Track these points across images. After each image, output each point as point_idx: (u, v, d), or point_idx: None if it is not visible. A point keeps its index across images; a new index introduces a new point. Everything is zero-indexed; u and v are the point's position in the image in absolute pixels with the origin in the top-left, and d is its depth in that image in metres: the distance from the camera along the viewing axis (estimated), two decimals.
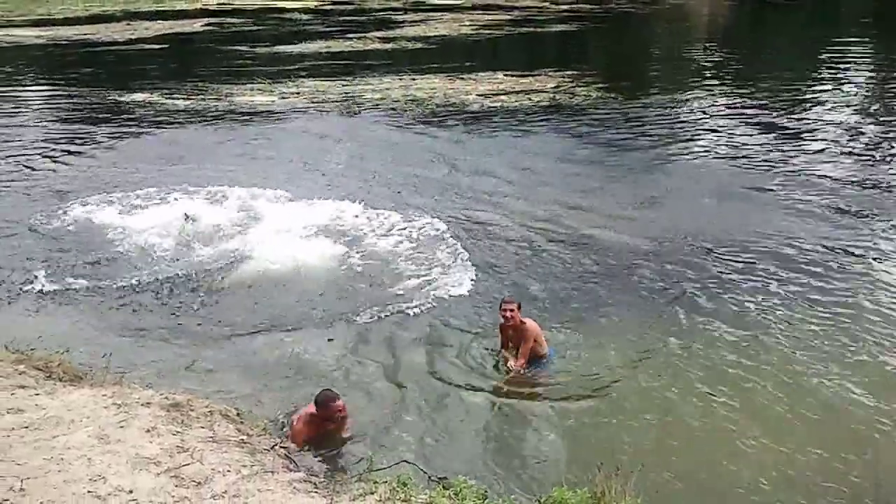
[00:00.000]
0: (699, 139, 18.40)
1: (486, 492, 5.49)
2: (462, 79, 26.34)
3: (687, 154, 17.13)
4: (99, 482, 4.83)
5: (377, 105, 22.93)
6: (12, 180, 16.01)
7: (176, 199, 14.06)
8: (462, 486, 5.43)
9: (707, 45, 36.58)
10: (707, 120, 20.22)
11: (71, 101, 25.05)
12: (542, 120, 20.49)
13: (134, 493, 4.75)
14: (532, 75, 26.56)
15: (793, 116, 20.19)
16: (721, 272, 10.83)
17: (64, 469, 4.95)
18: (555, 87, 24.46)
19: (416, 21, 45.37)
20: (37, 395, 6.04)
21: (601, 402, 7.84)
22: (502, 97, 23.34)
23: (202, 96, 24.84)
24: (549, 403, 7.88)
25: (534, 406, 7.88)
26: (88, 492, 4.72)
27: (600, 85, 24.75)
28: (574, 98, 22.95)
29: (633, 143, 18.29)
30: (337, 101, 23.57)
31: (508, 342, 8.59)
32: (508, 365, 8.36)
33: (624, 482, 5.50)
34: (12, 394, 6.00)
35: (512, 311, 8.28)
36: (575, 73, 26.80)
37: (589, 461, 6.65)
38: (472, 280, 10.68)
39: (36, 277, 10.79)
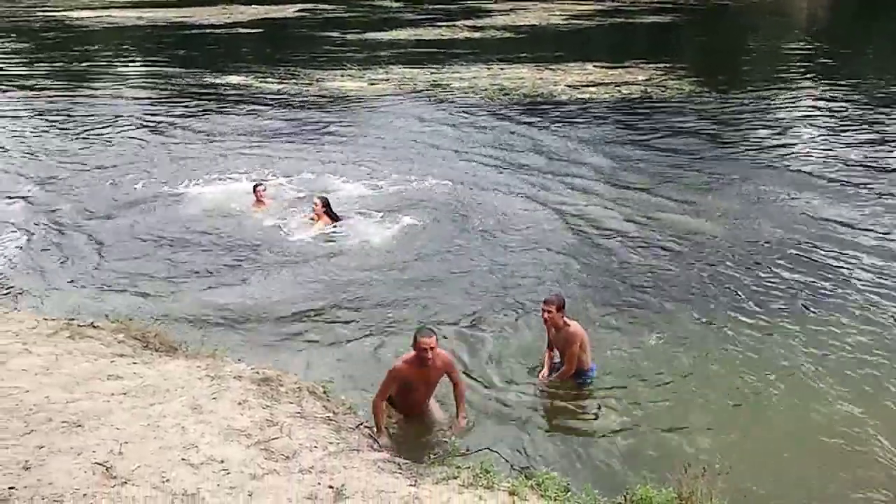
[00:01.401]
0: (794, 138, 17.72)
1: (568, 485, 5.44)
2: (551, 69, 26.12)
3: (781, 154, 16.39)
4: (192, 451, 4.98)
5: (464, 93, 22.93)
6: (107, 156, 16.61)
7: (262, 179, 14.29)
8: (545, 477, 5.40)
9: (805, 39, 35.34)
10: (804, 118, 19.52)
11: (168, 81, 25.84)
12: (632, 112, 20.14)
13: (225, 463, 4.88)
14: (623, 67, 26.13)
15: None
16: (803, 273, 10.44)
17: (159, 436, 5.12)
18: (646, 80, 24.01)
19: (505, 10, 45.21)
20: (135, 363, 6.27)
21: (676, 401, 7.65)
22: (591, 88, 23.04)
23: (294, 80, 25.30)
24: (625, 402, 7.72)
25: (610, 404, 7.73)
26: (182, 459, 4.86)
27: (693, 78, 24.17)
28: (666, 91, 22.48)
29: (726, 139, 17.76)
30: (424, 89, 23.67)
31: (552, 343, 8.06)
32: (541, 375, 7.87)
33: (711, 484, 5.39)
34: (112, 361, 6.24)
35: (550, 312, 7.66)
36: (667, 65, 26.25)
37: (671, 461, 6.56)
38: (550, 272, 10.57)
39: (126, 251, 11.19)
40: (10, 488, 4.29)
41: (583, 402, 7.72)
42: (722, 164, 15.76)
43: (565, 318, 7.71)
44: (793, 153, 16.39)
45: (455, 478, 5.22)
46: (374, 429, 6.39)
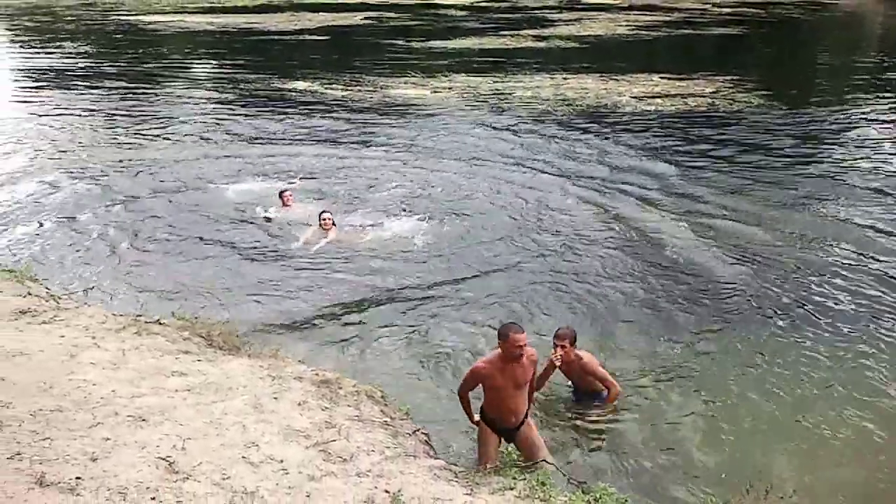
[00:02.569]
0: (867, 156, 17.10)
1: (626, 501, 5.36)
2: (615, 80, 25.88)
3: (853, 172, 15.79)
4: (252, 449, 5.04)
5: (527, 103, 22.87)
6: (175, 156, 17.00)
7: (289, 182, 14.45)
8: (602, 492, 5.33)
9: (881, 53, 34.34)
10: (877, 137, 18.92)
11: (237, 85, 26.34)
12: (698, 125, 19.81)
13: (284, 463, 4.93)
14: (689, 79, 25.75)
15: None
16: (871, 296, 10.12)
17: (221, 433, 5.20)
18: (713, 92, 23.62)
19: (570, 20, 44.96)
20: (199, 361, 6.39)
21: (736, 421, 7.49)
22: (657, 100, 22.76)
23: (358, 87, 25.56)
24: (685, 419, 7.58)
25: (669, 420, 7.60)
26: (242, 457, 4.93)
27: (763, 92, 23.67)
28: (734, 104, 22.07)
29: (796, 155, 17.26)
30: (487, 97, 23.67)
31: (568, 375, 7.71)
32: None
33: None
34: (177, 358, 6.37)
35: (564, 346, 7.30)
36: (735, 78, 25.77)
37: (731, 481, 6.43)
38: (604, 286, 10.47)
39: (188, 252, 11.49)
40: (77, 478, 4.41)
41: (638, 417, 7.61)
42: (790, 180, 15.33)
43: (577, 352, 7.44)
44: (865, 172, 15.87)
45: (511, 489, 5.19)
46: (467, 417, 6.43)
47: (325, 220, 12.04)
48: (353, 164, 16.41)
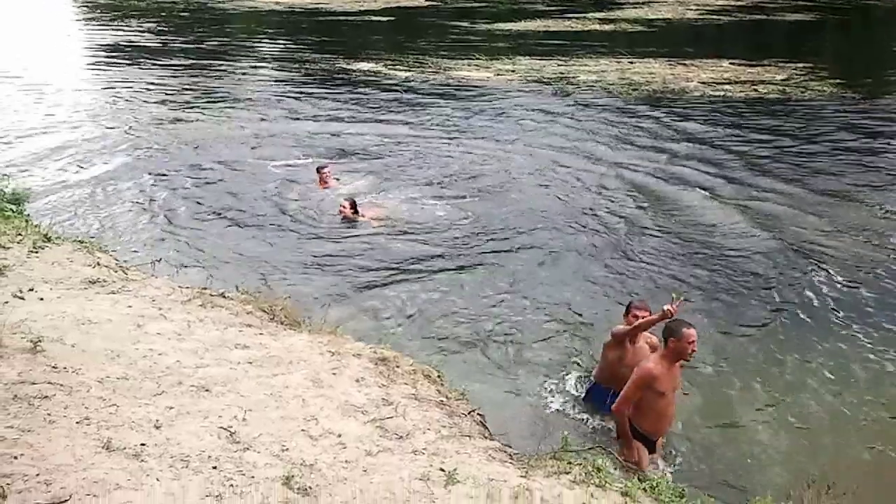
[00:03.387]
0: None
1: (683, 490, 5.29)
2: (683, 65, 25.41)
3: None
4: (311, 423, 5.11)
5: (592, 86, 22.61)
6: (237, 132, 17.30)
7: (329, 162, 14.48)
8: (659, 480, 5.26)
9: None
10: None
11: (302, 65, 26.60)
12: (768, 113, 19.34)
13: (342, 437, 4.99)
14: (760, 65, 25.13)
15: None
16: None
17: (281, 406, 5.28)
18: (784, 80, 23.01)
19: (638, 3, 44.25)
20: (261, 335, 6.49)
21: (801, 415, 7.34)
22: (726, 86, 22.27)
23: (421, 69, 25.59)
24: (741, 412, 7.46)
25: (725, 413, 7.49)
26: (301, 430, 5.00)
27: (836, 81, 22.95)
28: (806, 93, 21.46)
29: (869, 148, 16.65)
30: (551, 80, 23.47)
31: (624, 360, 6.86)
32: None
33: (834, 502, 5.15)
34: (240, 331, 6.48)
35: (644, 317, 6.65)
36: (808, 65, 25.05)
37: (792, 476, 6.32)
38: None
39: (249, 227, 11.74)
40: (142, 444, 4.52)
41: (694, 407, 7.52)
42: (862, 174, 14.77)
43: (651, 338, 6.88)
44: None
45: (567, 473, 5.16)
46: (624, 444, 6.17)
47: (342, 206, 11.94)
48: (412, 144, 16.49)
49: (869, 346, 8.52)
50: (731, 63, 25.61)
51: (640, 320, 6.55)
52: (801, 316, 9.28)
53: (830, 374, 7.96)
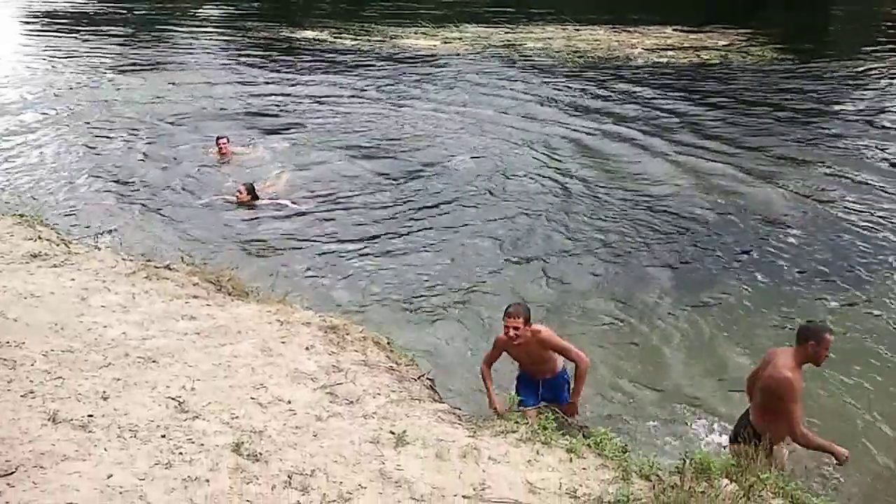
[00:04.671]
0: (885, 114, 16.78)
1: (626, 446, 5.45)
2: (628, 31, 25.63)
3: (868, 132, 15.38)
4: (261, 390, 5.14)
5: (538, 54, 22.69)
6: (177, 104, 17.03)
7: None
8: (602, 437, 5.41)
9: None
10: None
11: (245, 34, 26.15)
12: (708, 79, 19.62)
13: (292, 403, 5.03)
14: (703, 31, 25.47)
15: None
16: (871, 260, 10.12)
17: (230, 375, 5.30)
18: (727, 45, 23.36)
19: None
20: (208, 305, 6.47)
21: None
22: (669, 52, 22.54)
23: (367, 37, 25.37)
24: (689, 372, 7.70)
25: (674, 371, 7.71)
26: (251, 398, 5.03)
27: (777, 45, 23.37)
28: (747, 58, 21.83)
29: (808, 112, 16.92)
30: (498, 48, 23.49)
31: (520, 359, 6.51)
32: (497, 407, 6.17)
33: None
34: (186, 302, 6.45)
35: (517, 327, 6.04)
36: (750, 31, 25.45)
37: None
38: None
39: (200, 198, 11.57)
40: (89, 416, 4.51)
41: (639, 367, 7.73)
42: (800, 138, 15.05)
43: (533, 327, 6.19)
44: (882, 131, 15.53)
45: (513, 432, 5.28)
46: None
47: (239, 192, 11.40)
48: (349, 110, 16.52)
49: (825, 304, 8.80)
50: (674, 30, 25.90)
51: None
52: (756, 277, 9.53)
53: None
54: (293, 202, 11.54)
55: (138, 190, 12.09)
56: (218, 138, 13.31)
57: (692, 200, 11.80)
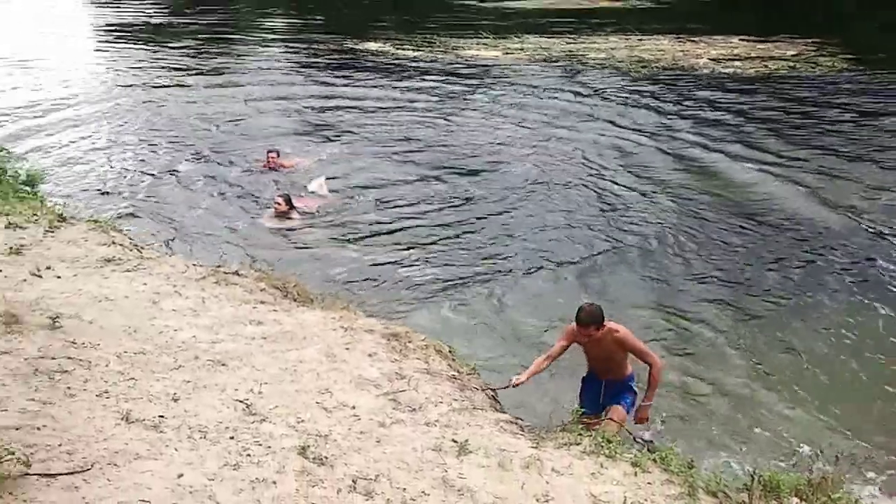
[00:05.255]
0: None
1: (692, 461, 5.36)
2: (693, 41, 25.29)
3: None
4: (325, 395, 5.20)
5: (601, 64, 22.53)
6: (244, 113, 17.37)
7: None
8: (668, 451, 5.33)
9: None
10: None
11: (309, 46, 26.55)
12: (776, 90, 19.22)
13: (356, 409, 5.08)
14: (770, 41, 24.99)
15: None
16: None
17: (296, 380, 5.38)
18: (795, 55, 22.88)
19: None
20: (275, 311, 6.58)
21: (809, 388, 7.44)
22: (736, 63, 22.17)
23: (429, 48, 25.53)
24: (755, 387, 7.55)
25: (737, 387, 7.57)
26: (316, 402, 5.10)
27: (848, 56, 22.78)
28: (816, 68, 21.34)
29: (879, 125, 16.50)
30: (560, 58, 23.41)
31: (592, 358, 6.39)
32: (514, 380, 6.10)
33: (843, 472, 5.21)
34: (254, 307, 6.57)
35: (589, 335, 6.00)
36: (819, 40, 24.88)
37: (801, 447, 6.41)
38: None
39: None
40: (161, 416, 4.62)
41: (707, 381, 7.60)
42: (868, 151, 14.62)
43: (608, 325, 6.05)
44: None
45: (577, 444, 5.24)
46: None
47: (277, 203, 11.26)
48: (411, 121, 16.50)
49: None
50: (741, 39, 25.46)
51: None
52: (818, 288, 9.39)
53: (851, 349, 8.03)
54: (319, 210, 11.65)
55: (199, 196, 12.38)
56: (268, 151, 13.53)
57: (768, 211, 11.67)
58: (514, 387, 6.15)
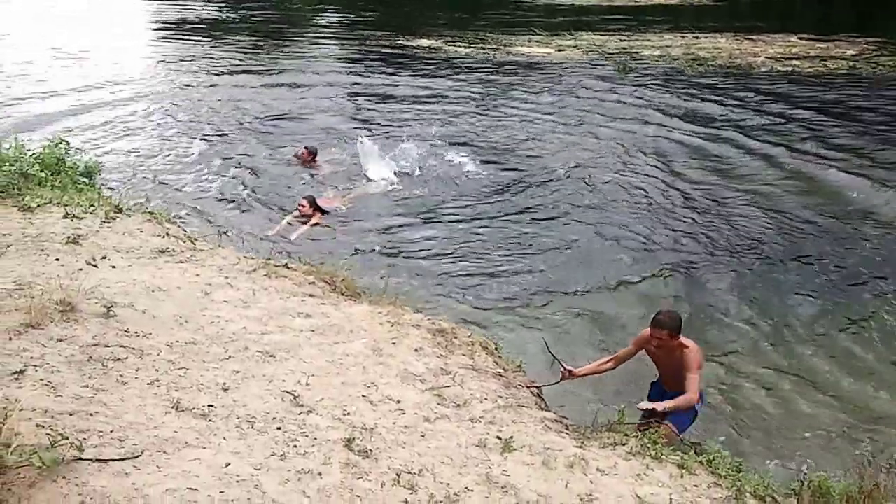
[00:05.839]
0: None
1: (740, 465, 5.28)
2: (751, 39, 24.83)
3: None
4: (371, 389, 5.23)
5: (656, 62, 22.26)
6: (298, 110, 17.52)
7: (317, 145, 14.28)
8: (716, 454, 5.26)
9: None
10: None
11: (362, 42, 26.70)
12: (836, 91, 18.77)
13: (401, 403, 5.10)
14: (830, 40, 24.40)
15: None
16: None
17: (342, 373, 5.42)
18: (855, 55, 22.32)
19: None
20: (323, 304, 6.64)
21: (861, 392, 7.27)
22: (794, 62, 21.71)
23: (481, 45, 25.48)
24: (802, 388, 7.41)
25: (786, 388, 7.44)
26: (362, 396, 5.13)
27: None
28: (878, 68, 20.78)
29: None
30: (613, 56, 23.17)
31: (660, 366, 6.40)
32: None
33: (894, 480, 5.07)
34: (302, 300, 6.64)
35: (661, 338, 6.00)
36: (881, 39, 24.21)
37: (852, 453, 6.27)
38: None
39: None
40: (210, 406, 4.69)
41: (757, 383, 7.49)
42: None
43: (681, 339, 6.04)
44: None
45: (623, 444, 5.20)
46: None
47: (301, 205, 11.12)
48: (463, 122, 16.46)
49: None
50: (799, 38, 24.94)
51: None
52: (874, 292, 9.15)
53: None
54: (342, 208, 11.64)
55: (245, 190, 12.54)
56: (305, 147, 13.58)
57: (811, 212, 11.39)
58: (567, 377, 6.17)
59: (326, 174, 13.18)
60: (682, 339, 6.01)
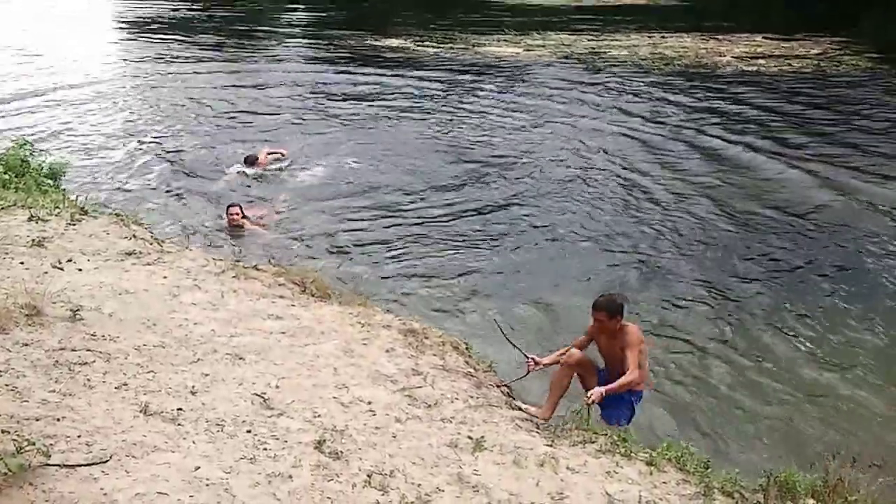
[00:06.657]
0: None
1: (708, 461, 5.34)
2: (716, 39, 25.13)
3: None
4: (342, 390, 5.23)
5: (622, 62, 22.42)
6: (267, 109, 17.43)
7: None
8: (684, 451, 5.32)
9: None
10: None
11: (331, 42, 26.57)
12: (799, 89, 19.04)
13: (372, 404, 5.10)
14: (795, 39, 24.77)
15: None
16: None
17: (313, 374, 5.40)
18: (819, 54, 22.67)
19: None
20: (293, 306, 6.61)
21: (827, 391, 7.39)
22: (759, 61, 22.01)
23: (450, 45, 25.50)
24: (773, 386, 7.51)
25: (756, 387, 7.54)
26: (333, 397, 5.12)
27: (872, 55, 22.53)
28: (840, 67, 21.14)
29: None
30: (581, 56, 23.32)
31: (602, 352, 6.38)
32: (532, 361, 6.32)
33: (859, 475, 5.16)
34: (273, 302, 6.61)
35: (601, 321, 6.09)
36: (844, 39, 24.63)
37: (817, 449, 6.37)
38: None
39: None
40: (179, 409, 4.66)
41: (724, 381, 7.57)
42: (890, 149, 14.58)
43: (622, 322, 6.09)
44: None
45: (592, 442, 5.25)
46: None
47: (232, 214, 10.67)
48: (426, 119, 16.47)
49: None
50: (764, 37, 25.27)
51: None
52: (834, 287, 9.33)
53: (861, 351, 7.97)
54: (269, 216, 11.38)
55: (204, 189, 12.44)
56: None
57: (775, 212, 11.59)
58: (533, 367, 6.28)
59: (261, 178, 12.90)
60: (624, 322, 6.06)
